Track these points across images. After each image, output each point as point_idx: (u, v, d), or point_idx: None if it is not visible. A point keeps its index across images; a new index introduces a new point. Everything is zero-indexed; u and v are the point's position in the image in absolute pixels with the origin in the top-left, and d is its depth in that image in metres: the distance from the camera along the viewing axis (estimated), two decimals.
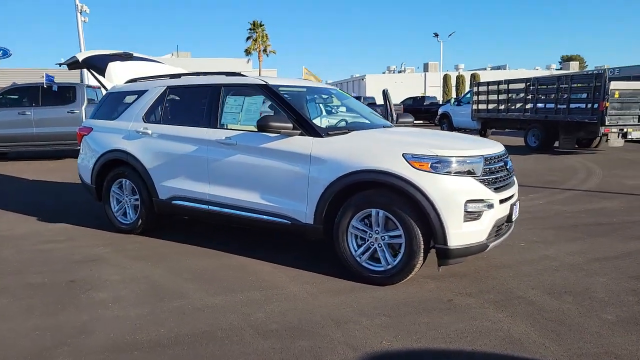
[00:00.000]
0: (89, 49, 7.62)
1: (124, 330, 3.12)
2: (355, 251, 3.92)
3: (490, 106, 15.86)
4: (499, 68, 62.30)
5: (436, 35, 40.21)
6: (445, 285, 3.83)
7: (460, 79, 45.11)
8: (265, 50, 53.48)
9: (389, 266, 3.78)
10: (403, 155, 3.69)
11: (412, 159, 3.65)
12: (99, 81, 6.30)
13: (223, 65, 32.07)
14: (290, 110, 4.28)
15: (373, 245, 3.85)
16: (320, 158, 3.99)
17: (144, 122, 5.18)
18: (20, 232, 5.54)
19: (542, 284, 3.85)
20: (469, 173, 3.68)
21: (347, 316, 3.31)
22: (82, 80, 19.64)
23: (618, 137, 12.38)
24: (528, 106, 14.25)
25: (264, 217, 4.35)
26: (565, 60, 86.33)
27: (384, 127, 4.86)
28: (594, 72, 12.64)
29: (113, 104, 5.75)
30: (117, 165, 5.39)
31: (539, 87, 13.81)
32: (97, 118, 5.76)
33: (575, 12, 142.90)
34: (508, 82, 15.23)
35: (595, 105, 11.90)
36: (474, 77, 43.09)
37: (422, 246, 3.64)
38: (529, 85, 14.19)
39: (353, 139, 4.10)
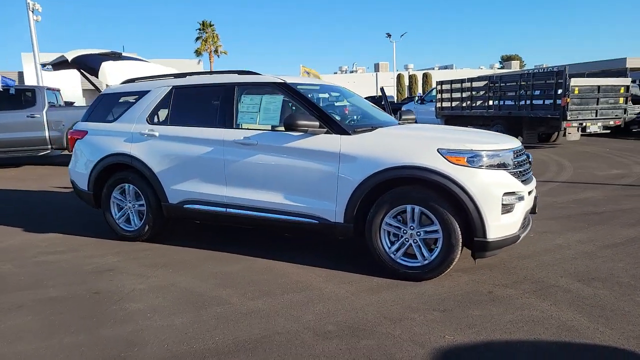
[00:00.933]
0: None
1: (176, 340, 2.98)
2: (389, 248, 3.92)
3: (454, 104, 16.32)
4: (446, 68, 64.18)
5: (389, 35, 40.94)
6: (478, 278, 3.90)
7: (413, 78, 46.15)
8: (216, 51, 52.59)
9: (426, 261, 3.80)
10: (438, 150, 3.73)
11: (448, 154, 3.70)
12: (90, 82, 5.98)
13: (173, 66, 31.21)
14: (314, 108, 4.23)
15: (408, 241, 3.86)
16: (350, 155, 3.96)
17: (149, 123, 4.95)
18: (12, 244, 5.17)
19: (567, 271, 3.99)
20: (502, 166, 3.76)
21: (399, 313, 3.30)
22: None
23: (577, 131, 13.07)
24: (491, 103, 14.76)
25: (289, 217, 4.26)
26: (505, 60, 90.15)
27: (398, 124, 4.90)
28: (555, 69, 13.29)
29: (109, 106, 5.47)
30: (118, 170, 5.13)
31: (502, 84, 14.34)
32: (91, 120, 5.45)
33: (512, 14, 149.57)
34: (471, 80, 15.71)
35: (558, 101, 12.48)
36: (425, 76, 44.30)
37: (461, 240, 3.69)
38: (492, 83, 14.70)
39: (381, 136, 4.10)
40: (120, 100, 5.43)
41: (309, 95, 4.40)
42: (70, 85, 14.69)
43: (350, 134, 4.06)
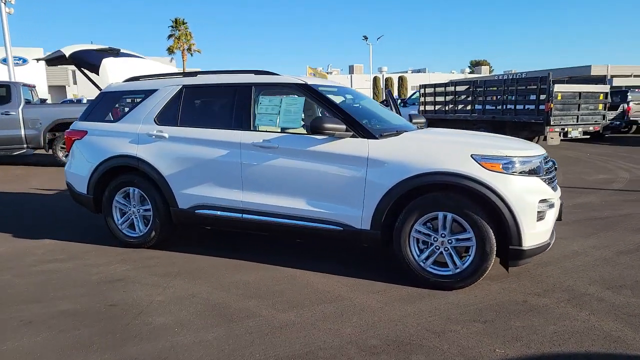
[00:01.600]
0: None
1: (213, 358, 2.78)
2: (418, 256, 3.81)
3: (437, 107, 16.42)
4: (419, 71, 65.04)
5: (365, 38, 41.17)
6: (508, 287, 3.82)
7: (388, 81, 46.49)
8: (189, 49, 51.75)
9: (458, 270, 3.71)
10: (472, 156, 3.64)
11: (483, 160, 3.61)
12: (89, 79, 5.66)
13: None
14: (339, 111, 4.09)
15: (439, 249, 3.76)
16: (379, 160, 3.83)
17: (157, 124, 4.70)
18: (5, 252, 4.82)
19: (593, 279, 3.97)
20: (534, 173, 3.71)
21: (439, 325, 3.18)
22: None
23: (559, 136, 13.32)
24: (475, 107, 14.91)
25: (311, 224, 4.10)
26: (474, 65, 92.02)
27: (417, 128, 4.80)
28: (539, 75, 13.51)
29: (110, 105, 5.19)
30: (122, 173, 4.86)
31: (485, 89, 14.50)
32: (91, 120, 5.15)
33: (481, 20, 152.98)
34: (455, 84, 15.85)
35: (541, 107, 12.69)
36: (401, 79, 44.67)
37: (495, 248, 3.61)
38: (475, 87, 14.85)
39: (409, 141, 3.99)
40: (123, 99, 5.16)
41: (332, 98, 4.25)
42: (36, 82, 14.00)
43: (377, 138, 3.94)
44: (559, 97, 12.70)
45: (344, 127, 3.92)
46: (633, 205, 6.69)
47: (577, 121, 13.23)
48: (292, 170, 4.11)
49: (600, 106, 13.69)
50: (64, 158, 11.57)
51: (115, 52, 5.77)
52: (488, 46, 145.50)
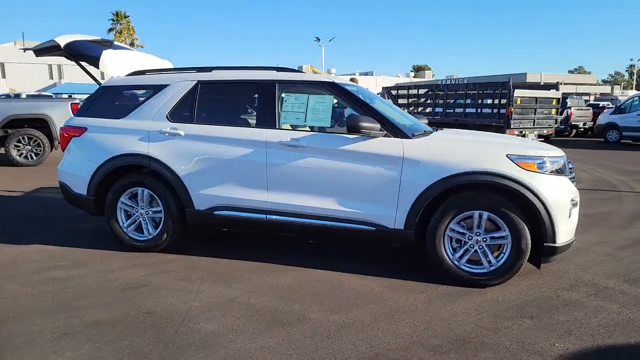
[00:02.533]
0: None
1: None
2: (453, 254, 3.86)
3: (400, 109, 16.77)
4: (367, 74, 65.95)
5: (318, 39, 41.30)
6: (536, 283, 3.94)
7: None
8: (132, 44, 49.75)
9: (492, 267, 3.79)
10: (507, 156, 3.74)
11: (519, 160, 3.71)
12: (86, 71, 5.29)
13: None
14: (370, 110, 4.07)
15: (473, 247, 3.83)
16: (415, 160, 3.84)
17: (170, 121, 4.47)
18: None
19: (607, 273, 4.17)
20: (562, 172, 3.86)
21: (490, 322, 3.24)
22: None
23: None
24: (437, 110, 15.37)
25: (342, 224, 4.05)
26: (417, 69, 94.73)
27: (434, 129, 4.86)
28: (500, 80, 14.12)
29: (113, 100, 4.88)
30: (129, 173, 4.59)
31: (448, 92, 14.98)
32: (90, 115, 4.81)
33: (421, 26, 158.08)
34: (418, 87, 16.26)
35: (502, 110, 13.29)
36: (352, 81, 45.06)
37: (530, 245, 3.71)
38: (438, 90, 15.31)
39: (442, 141, 4.04)
40: (127, 94, 4.87)
41: (362, 97, 4.22)
42: None
43: (410, 138, 3.95)
44: (518, 102, 13.36)
45: (378, 126, 3.90)
46: (607, 204, 7.13)
47: (534, 125, 13.96)
48: (322, 170, 4.04)
49: (553, 111, 14.52)
50: (18, 157, 10.79)
51: (109, 44, 5.43)
52: (429, 51, 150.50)
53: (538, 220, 3.66)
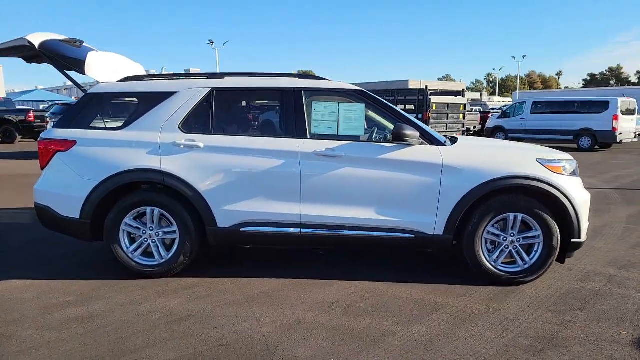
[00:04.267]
0: None
1: None
2: (490, 256, 4.04)
3: None
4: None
5: (211, 42, 40.08)
6: (558, 277, 4.22)
7: None
8: None
9: (526, 265, 4.03)
10: (537, 160, 4.01)
11: (547, 164, 4.00)
12: (68, 77, 4.57)
13: None
14: (405, 118, 4.10)
15: (508, 248, 4.04)
16: (453, 167, 3.95)
17: (184, 132, 4.08)
18: None
19: (600, 262, 4.63)
20: (576, 174, 4.23)
21: (552, 318, 3.43)
22: None
23: None
24: None
25: (380, 233, 4.02)
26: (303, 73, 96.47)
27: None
28: (418, 87, 14.95)
29: (104, 109, 4.31)
30: (135, 190, 4.10)
31: None
32: (76, 127, 4.20)
33: (307, 31, 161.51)
34: None
35: (420, 115, 14.12)
36: None
37: (559, 242, 4.01)
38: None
39: (475, 148, 4.21)
40: (122, 102, 4.33)
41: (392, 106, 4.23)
42: None
43: (445, 145, 4.06)
44: (434, 107, 14.29)
45: (418, 134, 3.95)
46: None
47: (446, 129, 15.03)
48: (360, 180, 3.97)
49: (461, 116, 15.77)
50: None
51: (79, 44, 4.77)
52: (313, 57, 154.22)
53: (566, 219, 3.97)
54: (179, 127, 4.09)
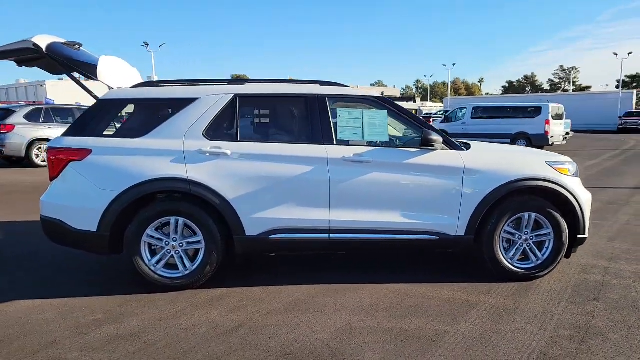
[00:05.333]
0: None
1: None
2: (506, 254, 4.28)
3: None
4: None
5: (146, 44, 38.52)
6: (563, 271, 4.52)
7: None
8: None
9: (539, 261, 4.30)
10: (547, 162, 4.31)
11: (556, 165, 4.31)
12: (79, 83, 4.26)
13: None
14: (426, 125, 4.25)
15: (522, 246, 4.30)
16: (474, 170, 4.14)
17: (209, 139, 3.98)
18: (16, 316, 3.36)
19: (589, 255, 5.05)
20: (577, 175, 4.58)
21: (578, 309, 3.68)
22: None
23: None
24: None
25: (406, 236, 4.13)
26: (237, 78, 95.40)
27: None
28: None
29: (115, 116, 4.11)
30: (158, 200, 3.94)
31: None
32: (89, 135, 3.97)
33: (240, 37, 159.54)
34: None
35: None
36: None
37: (568, 238, 4.32)
38: None
39: (489, 152, 4.44)
40: (140, 110, 4.15)
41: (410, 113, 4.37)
42: None
43: (463, 150, 4.26)
44: None
45: (442, 139, 4.12)
46: None
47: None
48: (387, 185, 4.07)
49: None
50: None
51: (78, 47, 4.49)
52: (246, 61, 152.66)
53: (574, 216, 4.29)
54: (203, 134, 3.98)
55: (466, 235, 4.17)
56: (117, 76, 4.30)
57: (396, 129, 4.73)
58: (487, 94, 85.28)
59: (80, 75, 4.30)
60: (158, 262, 3.97)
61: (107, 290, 3.99)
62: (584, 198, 4.31)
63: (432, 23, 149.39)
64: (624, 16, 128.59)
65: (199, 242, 3.98)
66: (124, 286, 4.05)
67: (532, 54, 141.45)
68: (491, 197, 4.13)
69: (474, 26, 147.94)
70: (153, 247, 4.00)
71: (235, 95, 4.10)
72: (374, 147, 4.12)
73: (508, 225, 4.24)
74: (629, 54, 44.41)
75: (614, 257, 5.02)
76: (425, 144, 4.03)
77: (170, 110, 4.05)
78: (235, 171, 3.93)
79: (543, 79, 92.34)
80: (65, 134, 4.03)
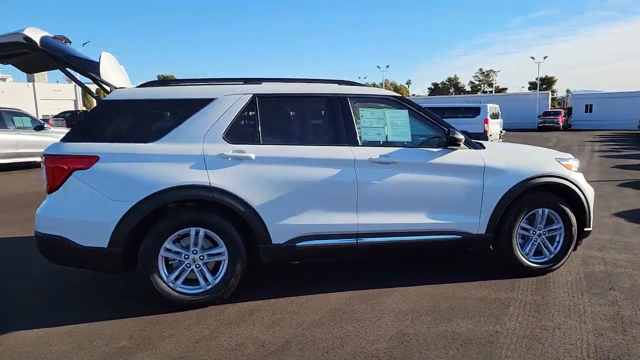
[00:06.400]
0: None
1: None
2: (522, 250, 4.35)
3: None
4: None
5: (68, 41, 35.80)
6: (566, 263, 4.69)
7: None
8: None
9: (552, 255, 4.42)
10: (556, 159, 4.44)
11: (564, 162, 4.45)
12: (78, 82, 3.78)
13: None
14: (446, 125, 4.23)
15: (537, 241, 4.40)
16: (493, 168, 4.18)
17: (229, 142, 3.70)
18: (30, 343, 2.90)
19: (583, 246, 5.31)
20: (580, 171, 4.75)
21: (601, 299, 3.81)
22: None
23: None
24: None
25: (430, 237, 4.09)
26: (163, 79, 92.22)
27: None
28: None
29: (125, 118, 3.72)
30: (175, 210, 3.61)
31: None
32: (94, 140, 3.56)
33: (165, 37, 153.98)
34: None
35: None
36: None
37: (577, 232, 4.48)
38: None
39: (505, 151, 4.53)
40: (149, 112, 3.78)
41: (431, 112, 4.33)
42: None
43: (481, 149, 4.28)
44: None
45: (463, 138, 4.12)
46: None
47: None
48: (413, 185, 4.00)
49: None
50: None
51: (66, 42, 4.02)
52: (173, 61, 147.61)
53: (582, 210, 4.44)
54: (222, 137, 3.70)
55: (487, 233, 4.19)
56: (116, 74, 3.90)
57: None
58: (414, 95, 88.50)
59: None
60: (177, 278, 3.63)
61: (116, 312, 3.60)
62: (589, 192, 4.49)
63: (363, 23, 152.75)
64: (532, 24, 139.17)
65: (220, 253, 3.69)
66: (132, 306, 3.68)
67: (453, 58, 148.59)
68: (510, 194, 4.18)
69: (399, 29, 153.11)
70: (170, 262, 3.66)
71: (255, 95, 3.85)
72: (399, 148, 4.03)
73: (524, 222, 4.32)
74: (544, 57, 47.80)
75: (602, 247, 5.27)
76: (452, 144, 4.01)
77: (184, 111, 3.72)
78: (260, 176, 3.69)
79: (465, 81, 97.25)
80: (66, 139, 3.58)
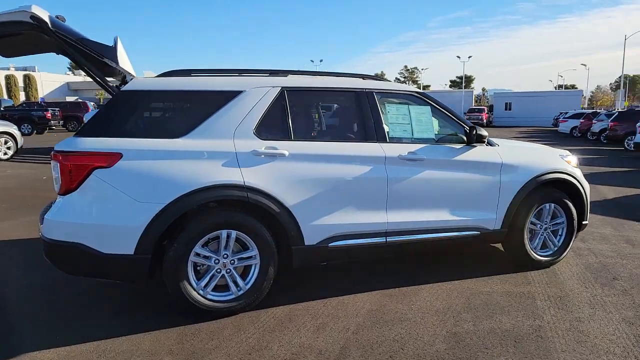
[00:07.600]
0: None
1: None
2: (532, 244, 4.50)
3: None
4: (25, 69, 56.20)
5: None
6: (569, 255, 4.93)
7: (11, 79, 38.14)
8: None
9: (556, 248, 4.61)
10: (560, 155, 4.63)
11: (566, 158, 4.65)
12: (89, 72, 3.29)
13: None
14: (467, 122, 4.25)
15: (543, 235, 4.56)
16: (509, 165, 4.26)
17: (261, 138, 3.47)
18: None
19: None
20: (578, 166, 4.99)
21: (611, 290, 4.02)
22: None
23: None
24: None
25: (453, 233, 4.11)
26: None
27: None
28: None
29: (148, 111, 3.36)
30: (208, 211, 3.33)
31: None
32: (116, 135, 3.19)
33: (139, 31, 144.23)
34: None
35: None
36: (28, 77, 37.57)
37: (577, 225, 4.70)
38: None
39: (516, 148, 4.62)
40: (172, 104, 3.44)
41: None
42: None
43: (498, 146, 4.36)
44: None
45: (488, 135, 4.16)
46: None
47: None
48: (439, 182, 3.99)
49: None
50: None
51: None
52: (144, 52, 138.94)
53: (581, 204, 4.66)
54: (253, 132, 3.47)
55: (502, 228, 4.28)
56: (128, 63, 3.51)
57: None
58: None
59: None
60: (207, 284, 3.36)
61: (140, 324, 3.27)
62: (587, 186, 4.72)
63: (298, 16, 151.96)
64: (449, 25, 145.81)
65: (252, 257, 3.46)
66: (154, 316, 3.36)
67: (376, 54, 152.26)
68: (524, 190, 4.29)
69: (328, 22, 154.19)
70: (198, 268, 3.38)
71: (283, 89, 3.64)
72: (425, 145, 4.00)
73: (533, 217, 4.46)
74: (469, 57, 50.27)
75: (583, 238, 5.59)
76: (478, 140, 4.04)
77: (211, 105, 3.43)
78: (293, 174, 3.50)
79: (391, 78, 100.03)
80: (81, 134, 3.17)
